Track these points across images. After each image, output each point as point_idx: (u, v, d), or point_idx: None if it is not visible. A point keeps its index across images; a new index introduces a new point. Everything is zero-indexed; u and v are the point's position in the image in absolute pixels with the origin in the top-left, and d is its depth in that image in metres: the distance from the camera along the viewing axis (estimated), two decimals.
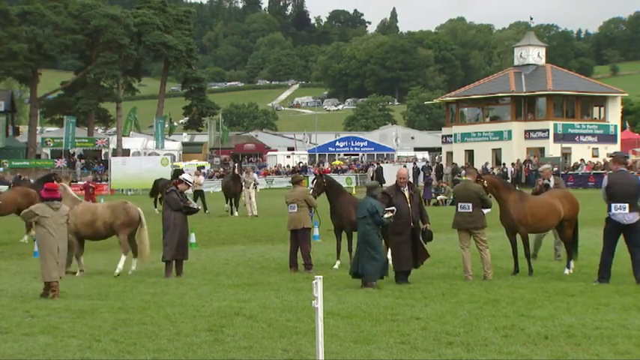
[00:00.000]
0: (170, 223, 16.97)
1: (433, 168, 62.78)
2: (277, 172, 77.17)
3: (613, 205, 14.72)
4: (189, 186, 17.97)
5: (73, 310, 12.93)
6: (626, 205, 14.61)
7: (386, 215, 15.01)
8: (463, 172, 55.47)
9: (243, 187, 35.83)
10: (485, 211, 16.09)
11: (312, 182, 18.68)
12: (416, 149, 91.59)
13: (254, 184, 36.23)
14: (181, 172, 37.09)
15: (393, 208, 15.22)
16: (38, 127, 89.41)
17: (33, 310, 13.05)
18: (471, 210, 15.65)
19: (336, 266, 17.93)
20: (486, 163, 62.26)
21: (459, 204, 16.01)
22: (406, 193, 15.61)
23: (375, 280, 14.90)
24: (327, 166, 79.11)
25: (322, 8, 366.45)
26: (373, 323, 11.56)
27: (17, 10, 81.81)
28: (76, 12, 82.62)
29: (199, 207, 18.76)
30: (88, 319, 12.24)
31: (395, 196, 15.52)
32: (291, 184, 19.60)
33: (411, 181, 16.63)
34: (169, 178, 37.37)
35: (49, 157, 79.87)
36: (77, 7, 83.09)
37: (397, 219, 15.25)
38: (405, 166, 65.03)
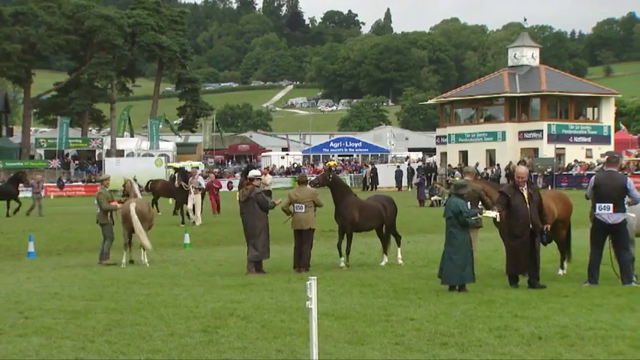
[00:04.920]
0: (262, 223, 17.42)
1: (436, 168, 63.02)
2: (272, 173, 77.15)
3: (597, 205, 14.84)
4: (262, 180, 18.31)
5: (66, 311, 12.91)
6: (610, 205, 14.69)
7: (475, 216, 14.49)
8: (457, 172, 55.58)
9: (190, 193, 32.44)
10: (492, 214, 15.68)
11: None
12: (410, 150, 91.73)
13: (199, 189, 32.83)
14: (182, 169, 36.28)
15: (496, 212, 14.69)
16: (32, 128, 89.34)
17: (27, 311, 13.02)
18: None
19: (342, 264, 17.94)
20: (477, 164, 62.23)
21: None
22: (525, 193, 14.73)
23: (452, 282, 14.37)
24: (320, 166, 79.12)
25: (316, 9, 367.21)
26: (367, 324, 11.56)
27: (11, 10, 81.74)
28: (69, 12, 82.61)
29: (274, 201, 18.61)
30: (81, 320, 12.22)
31: (513, 197, 14.67)
32: (287, 185, 19.63)
33: (531, 180, 15.85)
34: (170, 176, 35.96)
35: (43, 158, 79.83)
36: (71, 7, 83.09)
37: (515, 220, 14.61)
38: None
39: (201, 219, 32.49)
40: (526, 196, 14.71)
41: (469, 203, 14.72)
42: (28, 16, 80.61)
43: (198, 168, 39.39)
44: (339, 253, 18.15)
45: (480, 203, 15.76)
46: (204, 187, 33.56)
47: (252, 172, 18.87)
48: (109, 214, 19.99)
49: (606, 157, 16.23)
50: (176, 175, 34.96)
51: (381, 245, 18.83)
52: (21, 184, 42.39)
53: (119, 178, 27.76)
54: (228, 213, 37.10)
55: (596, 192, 14.91)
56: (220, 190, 39.63)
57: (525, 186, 14.86)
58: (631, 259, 14.98)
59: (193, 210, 32.39)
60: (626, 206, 14.92)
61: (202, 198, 33.76)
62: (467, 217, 14.29)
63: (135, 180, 20.90)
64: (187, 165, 76.97)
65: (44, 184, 44.86)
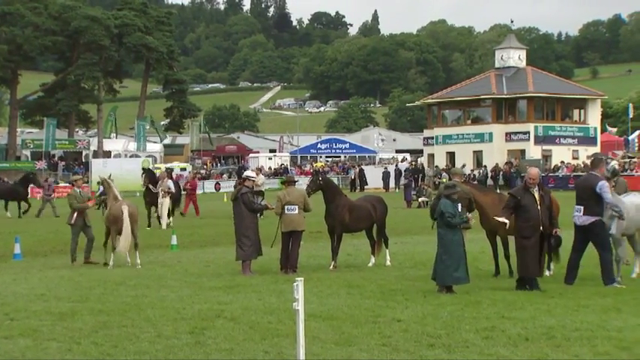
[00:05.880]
0: (249, 222, 17.47)
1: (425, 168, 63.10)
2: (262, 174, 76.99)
3: (575, 206, 15.12)
4: (254, 181, 18.28)
5: (53, 313, 12.88)
6: (581, 207, 14.92)
7: (461, 218, 14.44)
8: (444, 174, 55.68)
9: (159, 196, 31.41)
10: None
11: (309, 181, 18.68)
12: (397, 151, 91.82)
13: (167, 192, 31.62)
14: (150, 171, 35.23)
15: (469, 216, 14.84)
16: (18, 129, 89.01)
17: (13, 312, 12.99)
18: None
19: (331, 267, 17.95)
20: (464, 165, 62.44)
21: None
22: (536, 195, 14.68)
23: (444, 283, 14.33)
24: (308, 167, 79.15)
25: (304, 10, 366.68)
26: (354, 325, 11.58)
27: None
28: (56, 13, 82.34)
29: (266, 204, 18.45)
30: (68, 321, 12.20)
31: (523, 197, 14.60)
32: (274, 186, 19.69)
33: (541, 182, 15.73)
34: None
35: (29, 159, 79.58)
36: (57, 8, 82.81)
37: (525, 222, 14.53)
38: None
39: (169, 222, 31.35)
40: (537, 198, 14.68)
41: (459, 205, 14.72)
42: (15, 17, 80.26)
43: (167, 170, 37.18)
44: (332, 256, 18.16)
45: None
46: (174, 190, 32.37)
47: (247, 173, 18.96)
48: (74, 215, 20.04)
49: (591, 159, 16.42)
50: (143, 176, 33.66)
51: (370, 246, 18.85)
52: (32, 186, 42.16)
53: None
54: (216, 214, 37.06)
55: (576, 194, 15.29)
56: (197, 191, 39.00)
57: (536, 187, 14.82)
58: (611, 260, 15.04)
59: (168, 214, 31.64)
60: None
61: (176, 201, 32.98)
62: (449, 217, 14.31)
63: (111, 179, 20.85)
64: (176, 166, 77.34)
65: (54, 186, 44.54)
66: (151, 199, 32.05)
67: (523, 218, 14.66)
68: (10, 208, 40.18)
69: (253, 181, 18.42)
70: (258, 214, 18.23)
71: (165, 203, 31.43)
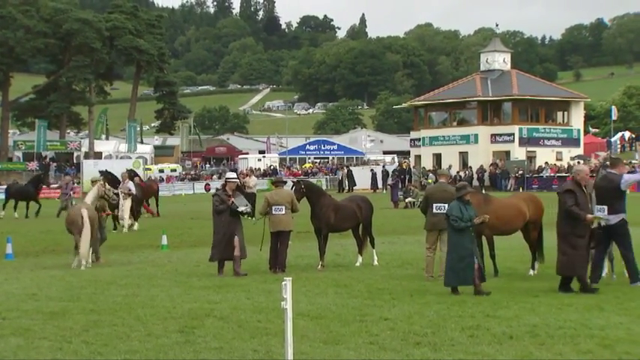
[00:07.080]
0: (214, 224, 17.50)
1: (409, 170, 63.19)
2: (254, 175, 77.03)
3: (596, 206, 14.99)
4: (236, 184, 18.23)
5: (44, 312, 12.96)
6: (605, 207, 14.85)
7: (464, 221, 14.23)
8: (430, 174, 55.90)
9: (120, 198, 29.75)
10: None
11: (292, 189, 18.75)
12: (385, 152, 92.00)
13: (128, 194, 30.61)
14: (109, 173, 34.44)
15: (485, 216, 14.64)
16: (10, 131, 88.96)
17: (4, 312, 13.05)
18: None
19: (319, 266, 18.07)
20: (450, 166, 62.75)
21: (435, 205, 16.09)
22: (586, 192, 14.47)
23: (451, 284, 14.25)
24: (297, 167, 79.26)
25: (293, 14, 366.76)
26: (342, 324, 11.67)
27: None
28: (48, 16, 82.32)
29: (247, 209, 17.94)
30: (59, 320, 12.27)
31: (579, 196, 14.25)
32: (263, 187, 19.76)
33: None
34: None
35: (21, 160, 79.55)
36: (49, 11, 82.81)
37: (580, 220, 14.14)
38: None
39: (131, 223, 30.75)
40: (587, 195, 14.54)
41: (468, 207, 14.50)
42: (7, 20, 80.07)
43: (129, 171, 35.86)
44: (320, 256, 18.27)
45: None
46: (134, 192, 31.26)
47: (228, 174, 19.02)
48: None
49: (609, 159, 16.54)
50: (101, 178, 33.07)
51: (357, 246, 19.01)
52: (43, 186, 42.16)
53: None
54: (206, 215, 37.03)
55: (596, 194, 15.10)
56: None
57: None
58: (634, 258, 15.03)
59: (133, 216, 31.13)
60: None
61: (138, 203, 32.44)
62: (453, 221, 14.25)
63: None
64: (166, 167, 77.44)
65: (72, 185, 44.21)
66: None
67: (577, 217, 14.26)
68: (6, 208, 40.37)
69: (236, 183, 18.42)
70: (245, 216, 18.14)
71: (126, 204, 30.47)
